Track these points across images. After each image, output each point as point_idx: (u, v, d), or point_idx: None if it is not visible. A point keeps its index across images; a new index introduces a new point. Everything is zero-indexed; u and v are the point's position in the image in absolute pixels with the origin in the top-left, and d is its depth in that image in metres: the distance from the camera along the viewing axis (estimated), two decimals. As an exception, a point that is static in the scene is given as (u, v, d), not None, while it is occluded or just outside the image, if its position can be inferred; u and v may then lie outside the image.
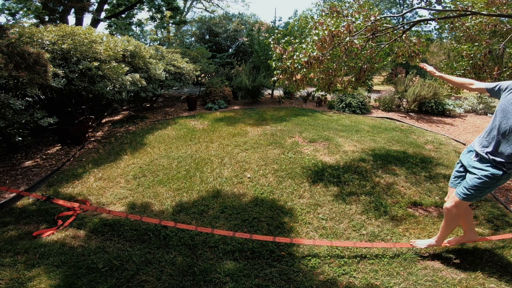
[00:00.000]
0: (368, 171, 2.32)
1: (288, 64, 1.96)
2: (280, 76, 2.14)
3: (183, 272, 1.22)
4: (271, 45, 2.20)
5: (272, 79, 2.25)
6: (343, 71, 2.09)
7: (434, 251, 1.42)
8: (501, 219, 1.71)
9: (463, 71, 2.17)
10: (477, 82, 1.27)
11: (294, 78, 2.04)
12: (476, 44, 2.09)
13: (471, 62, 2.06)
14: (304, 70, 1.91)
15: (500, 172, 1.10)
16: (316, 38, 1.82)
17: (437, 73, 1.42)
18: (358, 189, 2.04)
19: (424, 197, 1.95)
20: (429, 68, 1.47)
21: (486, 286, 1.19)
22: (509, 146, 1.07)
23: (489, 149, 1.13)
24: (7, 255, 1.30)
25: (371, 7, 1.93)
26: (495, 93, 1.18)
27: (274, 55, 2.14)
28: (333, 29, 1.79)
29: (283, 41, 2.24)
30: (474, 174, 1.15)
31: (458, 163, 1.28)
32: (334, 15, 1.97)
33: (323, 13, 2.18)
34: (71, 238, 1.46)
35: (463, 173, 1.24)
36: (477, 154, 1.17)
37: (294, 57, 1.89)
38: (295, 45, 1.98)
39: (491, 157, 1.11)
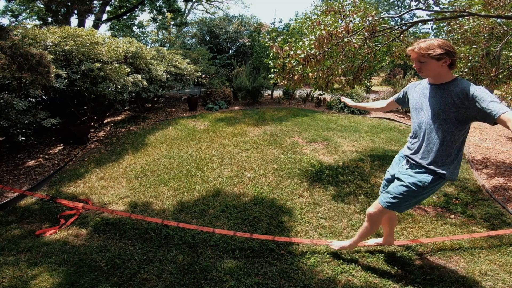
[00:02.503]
0: (367, 171, 2.33)
1: (285, 62, 1.98)
2: (278, 75, 2.16)
3: (184, 271, 1.24)
4: (267, 44, 2.22)
5: (270, 76, 2.27)
6: (340, 70, 2.12)
7: (432, 249, 1.44)
8: (498, 219, 1.73)
9: (460, 73, 2.20)
10: (387, 100, 1.25)
11: (291, 76, 2.06)
12: (474, 46, 2.11)
13: (468, 64, 2.08)
14: (301, 67, 1.93)
15: (429, 178, 0.99)
16: (313, 37, 1.84)
17: (353, 104, 1.42)
18: (356, 188, 2.05)
19: (422, 197, 1.97)
20: (347, 101, 1.46)
21: (483, 285, 1.20)
22: (433, 145, 0.98)
23: (415, 152, 1.05)
24: (10, 253, 1.31)
25: (367, 6, 1.96)
26: (404, 100, 1.16)
27: (271, 54, 2.17)
28: (331, 28, 1.81)
29: (279, 39, 2.26)
30: (402, 181, 1.06)
31: (388, 171, 1.20)
32: (331, 14, 1.99)
33: (320, 12, 2.21)
34: (73, 237, 1.48)
35: (393, 180, 1.14)
36: (407, 160, 1.08)
37: (292, 53, 1.90)
38: (292, 43, 2.00)
39: (418, 160, 1.02)
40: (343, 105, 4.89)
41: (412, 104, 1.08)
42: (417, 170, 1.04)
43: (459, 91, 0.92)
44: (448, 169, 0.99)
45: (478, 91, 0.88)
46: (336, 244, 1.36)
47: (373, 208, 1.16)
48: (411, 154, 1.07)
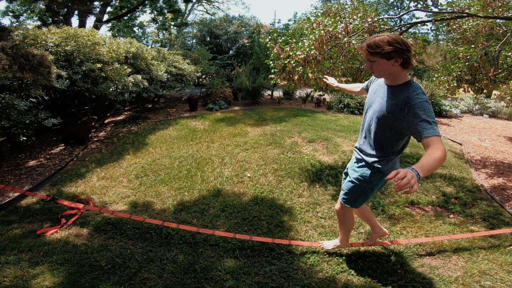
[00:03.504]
0: (367, 171, 2.35)
1: (285, 62, 1.99)
2: (278, 76, 2.17)
3: (185, 270, 1.24)
4: (268, 45, 2.23)
5: (270, 76, 2.28)
6: (340, 71, 2.13)
7: (431, 249, 1.44)
8: (496, 218, 1.73)
9: (459, 73, 2.21)
10: (361, 85, 1.21)
11: (291, 76, 2.07)
12: (473, 46, 2.12)
13: (467, 63, 2.09)
14: (301, 68, 1.94)
15: (369, 172, 1.00)
16: (313, 38, 1.85)
17: (335, 84, 1.37)
18: (356, 188, 2.06)
19: (421, 196, 1.97)
20: (330, 80, 1.40)
21: (482, 284, 1.21)
22: (372, 144, 0.97)
23: (360, 146, 1.05)
24: (11, 253, 1.32)
25: (366, 8, 1.97)
26: (367, 90, 1.11)
27: (272, 54, 2.17)
28: (330, 29, 1.82)
29: (280, 40, 2.27)
30: (348, 176, 1.08)
31: (347, 165, 1.20)
32: (331, 15, 2.01)
33: (319, 13, 2.22)
34: (74, 236, 1.48)
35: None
36: (355, 155, 1.09)
37: (292, 54, 1.91)
38: (293, 44, 2.01)
39: (361, 155, 1.02)
40: (342, 105, 4.91)
41: (367, 97, 1.04)
42: (359, 164, 1.05)
43: (402, 99, 0.83)
44: (386, 164, 0.98)
45: (417, 105, 0.79)
46: (328, 244, 1.36)
47: (337, 204, 1.19)
48: (357, 148, 1.08)
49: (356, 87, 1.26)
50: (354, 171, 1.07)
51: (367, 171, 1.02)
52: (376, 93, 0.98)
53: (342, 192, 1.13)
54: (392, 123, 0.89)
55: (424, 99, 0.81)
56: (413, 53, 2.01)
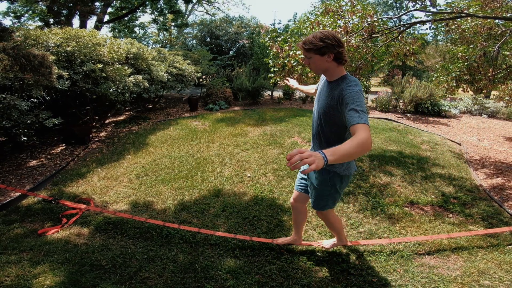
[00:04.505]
0: (366, 171, 2.35)
1: (285, 62, 2.00)
2: (277, 75, 2.18)
3: (185, 269, 1.25)
4: (267, 44, 2.24)
5: (269, 75, 2.29)
6: None
7: (430, 249, 1.45)
8: (495, 218, 1.74)
9: (458, 73, 2.22)
10: (315, 86, 1.19)
11: (291, 75, 2.08)
12: (472, 46, 2.13)
13: (466, 64, 2.10)
14: (301, 67, 1.94)
15: (327, 176, 0.99)
16: None
17: (295, 86, 1.35)
18: (355, 188, 2.06)
19: (420, 196, 1.97)
20: (291, 82, 1.38)
21: (481, 283, 1.21)
22: (323, 139, 0.95)
23: (312, 149, 1.04)
24: (12, 252, 1.32)
25: (365, 6, 1.98)
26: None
27: (271, 53, 2.18)
28: (330, 29, 1.84)
29: (279, 39, 2.28)
30: (311, 183, 1.06)
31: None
32: (330, 14, 2.01)
33: (318, 13, 2.23)
34: (75, 236, 1.49)
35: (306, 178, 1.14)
36: None
37: (291, 53, 1.92)
38: (292, 43, 2.02)
39: None
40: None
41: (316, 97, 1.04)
42: (317, 171, 1.02)
43: (337, 93, 0.84)
44: (341, 167, 0.98)
45: (348, 95, 0.80)
46: (327, 243, 1.37)
47: (318, 212, 1.18)
48: None
49: (312, 88, 1.26)
50: (315, 178, 1.06)
51: (325, 176, 1.02)
52: (321, 91, 0.99)
53: (311, 199, 1.12)
54: (334, 118, 0.90)
55: (355, 90, 0.81)
56: (411, 51, 2.01)
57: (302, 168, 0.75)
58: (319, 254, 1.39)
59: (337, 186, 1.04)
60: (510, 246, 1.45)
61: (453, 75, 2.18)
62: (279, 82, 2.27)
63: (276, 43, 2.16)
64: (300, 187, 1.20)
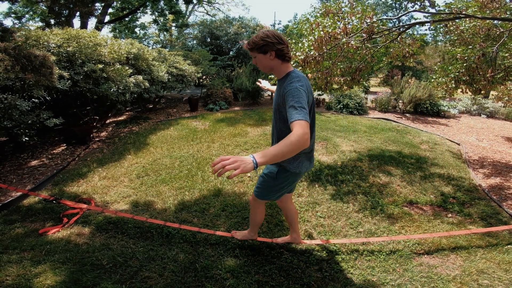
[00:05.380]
0: (365, 171, 2.36)
1: None
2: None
3: (185, 269, 1.25)
4: None
5: (269, 77, 2.30)
6: (339, 71, 2.15)
7: (429, 248, 1.45)
8: (494, 217, 1.75)
9: (457, 73, 2.23)
10: None
11: None
12: (470, 47, 2.14)
13: (465, 64, 2.11)
14: (300, 68, 1.96)
15: (276, 169, 1.02)
16: (312, 38, 1.86)
17: (267, 87, 1.38)
18: (355, 188, 2.07)
19: (419, 196, 1.98)
20: (263, 83, 1.40)
21: (480, 282, 1.22)
22: (277, 135, 0.99)
23: (271, 144, 1.08)
24: (14, 252, 1.33)
25: (365, 7, 1.99)
26: None
27: None
28: (330, 30, 1.84)
29: None
30: (262, 171, 1.10)
31: None
32: (330, 16, 2.03)
33: (318, 14, 2.24)
34: (76, 235, 1.49)
35: None
36: None
37: (291, 55, 1.93)
38: (292, 45, 2.03)
39: None
40: (341, 106, 4.93)
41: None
42: None
43: (282, 90, 0.86)
44: (292, 163, 0.99)
45: (288, 92, 0.81)
46: (239, 234, 1.38)
47: (252, 195, 1.21)
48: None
49: None
50: (266, 167, 1.09)
51: (274, 169, 1.04)
52: (276, 91, 1.02)
53: (256, 185, 1.15)
54: (284, 115, 0.91)
55: (295, 86, 0.82)
56: (411, 52, 2.02)
57: (228, 173, 0.76)
58: (319, 253, 1.39)
59: (282, 181, 1.05)
60: (509, 246, 1.46)
61: (452, 76, 2.19)
62: None
63: None
64: None
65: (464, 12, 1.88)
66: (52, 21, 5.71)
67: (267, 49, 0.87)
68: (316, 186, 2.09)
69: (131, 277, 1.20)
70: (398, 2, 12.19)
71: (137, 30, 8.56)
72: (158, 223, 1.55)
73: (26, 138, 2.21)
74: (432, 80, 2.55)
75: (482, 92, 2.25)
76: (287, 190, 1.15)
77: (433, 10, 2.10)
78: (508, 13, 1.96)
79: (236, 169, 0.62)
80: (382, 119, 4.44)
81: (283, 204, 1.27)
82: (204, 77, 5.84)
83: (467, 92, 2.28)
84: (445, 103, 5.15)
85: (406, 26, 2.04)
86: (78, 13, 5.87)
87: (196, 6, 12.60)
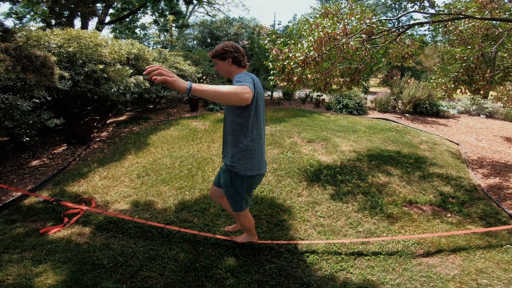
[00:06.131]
0: (365, 171, 2.36)
1: (284, 64, 2.02)
2: (277, 77, 2.20)
3: (185, 268, 1.26)
4: (267, 46, 2.26)
5: (269, 77, 2.31)
6: (338, 72, 2.16)
7: (428, 248, 1.46)
8: (494, 217, 1.75)
9: (456, 73, 2.24)
10: None
11: (290, 77, 2.09)
12: (469, 47, 2.15)
13: (464, 64, 2.12)
14: (300, 69, 1.96)
15: (228, 177, 1.06)
16: (312, 39, 1.87)
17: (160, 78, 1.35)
18: (354, 187, 2.08)
19: (419, 196, 1.99)
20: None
21: (479, 282, 1.22)
22: (226, 137, 1.06)
23: (222, 151, 1.12)
24: (15, 251, 1.33)
25: (364, 8, 2.00)
26: None
27: (271, 56, 2.20)
28: (329, 31, 1.85)
29: (279, 42, 2.30)
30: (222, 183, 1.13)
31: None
32: (329, 16, 2.04)
33: (318, 15, 2.25)
34: (76, 235, 1.50)
35: None
36: None
37: (291, 56, 1.93)
38: (291, 46, 2.04)
39: (224, 160, 1.09)
40: (341, 106, 4.94)
41: None
42: (223, 168, 1.13)
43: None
44: (240, 166, 1.03)
45: (234, 79, 0.95)
46: (239, 238, 1.40)
47: (234, 212, 1.22)
48: (222, 155, 1.13)
49: None
50: (222, 178, 1.13)
51: (227, 176, 1.09)
52: None
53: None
54: (232, 111, 1.01)
55: (240, 75, 0.96)
56: (410, 53, 2.02)
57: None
58: (319, 253, 1.40)
59: (239, 187, 1.08)
60: (508, 246, 1.46)
61: (451, 76, 2.20)
62: (279, 84, 2.29)
63: (276, 46, 2.19)
64: (215, 181, 1.27)
65: (463, 13, 1.89)
66: (53, 22, 5.72)
67: (225, 56, 1.03)
68: (316, 186, 2.10)
69: (132, 277, 1.21)
70: (398, 3, 12.21)
71: (137, 30, 8.59)
72: (159, 226, 1.56)
73: (27, 138, 2.22)
74: (432, 80, 2.56)
75: (481, 92, 2.26)
76: (250, 196, 1.17)
77: (432, 11, 2.11)
78: (507, 13, 1.97)
79: (169, 78, 0.69)
80: (381, 119, 4.45)
81: (214, 197, 1.31)
82: (204, 77, 5.84)
83: (466, 92, 2.29)
84: (444, 103, 5.17)
85: (405, 27, 2.05)
86: (79, 14, 5.89)
87: (196, 7, 12.63)
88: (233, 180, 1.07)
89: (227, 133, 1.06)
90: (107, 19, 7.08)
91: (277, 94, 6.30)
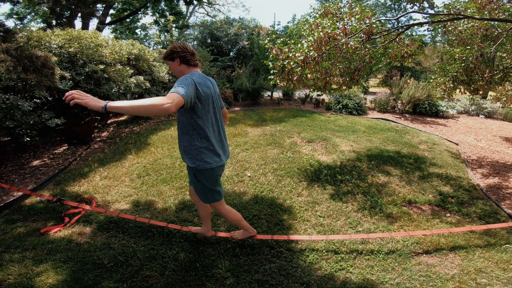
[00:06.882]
0: (364, 170, 2.37)
1: (284, 63, 2.03)
2: (277, 77, 2.20)
3: (186, 268, 1.26)
4: (267, 46, 2.27)
5: (269, 77, 2.32)
6: (338, 71, 2.16)
7: (428, 248, 1.46)
8: (493, 217, 1.76)
9: (455, 74, 2.24)
10: None
11: (290, 77, 2.10)
12: (468, 47, 2.16)
13: (463, 64, 2.13)
14: (300, 69, 1.97)
15: (192, 173, 1.11)
16: (312, 39, 1.88)
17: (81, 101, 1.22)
18: (354, 187, 2.08)
19: (418, 196, 1.99)
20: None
21: (478, 281, 1.23)
22: (180, 135, 1.09)
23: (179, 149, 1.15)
24: (16, 251, 1.34)
25: (364, 8, 2.01)
26: None
27: (271, 55, 2.21)
28: (329, 31, 1.86)
29: (279, 41, 2.31)
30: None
31: None
32: (329, 16, 2.04)
33: (317, 15, 2.26)
34: (77, 234, 1.50)
35: None
36: None
37: (291, 55, 1.94)
38: (291, 45, 2.04)
39: (182, 158, 1.12)
40: (341, 106, 4.95)
41: None
42: (187, 166, 1.15)
43: None
44: (198, 162, 1.07)
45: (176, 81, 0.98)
46: (236, 234, 1.42)
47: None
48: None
49: None
50: (189, 176, 1.18)
51: (191, 174, 1.13)
52: None
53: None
54: (178, 110, 1.04)
55: (184, 76, 1.00)
56: (409, 53, 2.02)
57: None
58: (318, 252, 1.40)
59: (204, 179, 1.12)
60: (507, 245, 1.47)
61: (450, 76, 2.21)
62: (279, 84, 2.30)
63: (276, 45, 2.20)
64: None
65: (462, 13, 1.90)
66: (54, 22, 5.74)
67: (173, 56, 1.06)
68: (316, 186, 2.10)
69: (132, 276, 1.21)
70: (397, 3, 12.24)
71: (138, 31, 8.61)
72: (161, 225, 1.56)
73: (28, 138, 2.22)
74: (431, 80, 2.57)
75: (480, 92, 2.27)
76: (218, 187, 1.20)
77: (432, 11, 2.12)
78: (506, 14, 1.98)
79: (82, 100, 0.75)
80: (381, 119, 4.46)
81: (193, 196, 1.32)
82: (204, 77, 5.81)
83: (465, 93, 2.30)
84: (443, 103, 5.17)
85: (405, 27, 2.06)
86: (79, 14, 5.90)
87: (196, 7, 12.65)
88: (196, 176, 1.11)
89: (179, 132, 1.10)
90: (108, 19, 7.09)
91: (277, 94, 6.31)
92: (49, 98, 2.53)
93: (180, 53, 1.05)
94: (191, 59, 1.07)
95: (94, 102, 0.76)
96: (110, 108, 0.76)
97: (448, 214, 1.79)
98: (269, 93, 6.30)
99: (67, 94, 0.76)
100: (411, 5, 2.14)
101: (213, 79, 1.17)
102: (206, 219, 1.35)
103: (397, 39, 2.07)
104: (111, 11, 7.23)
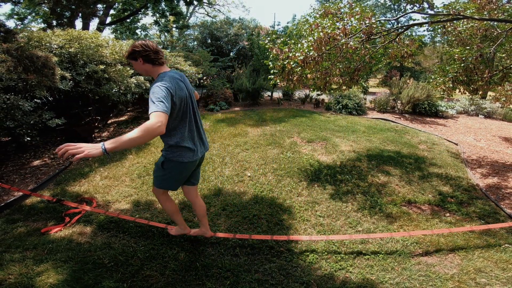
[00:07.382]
0: (364, 170, 2.37)
1: (284, 63, 2.03)
2: (277, 76, 2.21)
3: (186, 267, 1.27)
4: (267, 46, 2.28)
5: (269, 77, 2.32)
6: (338, 71, 2.17)
7: (427, 248, 1.47)
8: (492, 216, 1.76)
9: (455, 74, 2.25)
10: None
11: (290, 77, 2.11)
12: (468, 47, 2.17)
13: (462, 65, 2.13)
14: (300, 69, 1.97)
15: (161, 159, 1.12)
16: (312, 39, 1.88)
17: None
18: (354, 187, 2.09)
19: (418, 195, 2.00)
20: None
21: (477, 281, 1.23)
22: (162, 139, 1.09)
23: None
24: (16, 251, 1.34)
25: (363, 8, 2.02)
26: None
27: (271, 55, 2.22)
28: (329, 31, 1.87)
29: (279, 41, 2.32)
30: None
31: None
32: (329, 16, 2.05)
33: (317, 15, 2.27)
34: (78, 234, 1.51)
35: None
36: None
37: (291, 55, 1.95)
38: (291, 45, 2.05)
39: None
40: (341, 106, 4.95)
41: None
42: (162, 150, 1.16)
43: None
44: (172, 153, 1.08)
45: (150, 90, 0.94)
46: (174, 230, 1.41)
47: (152, 187, 1.27)
48: None
49: None
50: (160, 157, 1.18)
51: (161, 159, 1.14)
52: None
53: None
54: None
55: (157, 84, 0.94)
56: (409, 53, 2.03)
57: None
58: (318, 252, 1.41)
59: (170, 171, 1.13)
60: (506, 245, 1.47)
61: (450, 76, 2.21)
62: (279, 84, 2.30)
63: (276, 45, 2.20)
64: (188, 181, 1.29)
65: (462, 14, 1.90)
66: (54, 22, 5.74)
67: (135, 56, 1.02)
68: (316, 185, 2.10)
69: (133, 276, 1.22)
70: (397, 4, 12.26)
71: (138, 31, 8.63)
72: (161, 227, 1.56)
73: (28, 138, 2.23)
74: (431, 80, 2.57)
75: (480, 92, 2.27)
76: (181, 181, 1.20)
77: (431, 12, 2.12)
78: (505, 14, 1.99)
79: (80, 154, 0.70)
80: (380, 120, 4.47)
81: (189, 197, 1.32)
82: (204, 78, 5.86)
83: (465, 93, 2.30)
84: (443, 103, 5.18)
85: (404, 27, 2.06)
86: (80, 15, 5.91)
87: (196, 8, 12.67)
88: (164, 163, 1.12)
89: None
90: (108, 19, 7.11)
91: (277, 94, 6.31)
92: (49, 98, 2.53)
93: (142, 52, 1.00)
94: (155, 57, 1.02)
95: (92, 150, 0.72)
96: (110, 149, 0.73)
97: (448, 214, 1.80)
98: (269, 93, 6.31)
99: (57, 149, 0.71)
100: (411, 5, 2.15)
101: (182, 73, 1.12)
102: (202, 218, 1.35)
103: (397, 39, 2.08)
104: (112, 11, 7.24)
